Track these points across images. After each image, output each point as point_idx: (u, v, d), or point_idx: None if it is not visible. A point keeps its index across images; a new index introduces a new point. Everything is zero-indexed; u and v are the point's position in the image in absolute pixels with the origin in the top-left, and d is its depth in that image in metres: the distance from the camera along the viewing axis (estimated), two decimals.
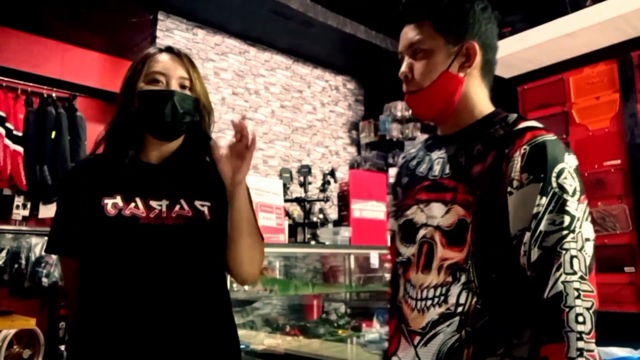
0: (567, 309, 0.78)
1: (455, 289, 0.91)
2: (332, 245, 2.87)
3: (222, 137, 3.40)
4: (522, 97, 3.14)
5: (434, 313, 0.93)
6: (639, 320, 2.52)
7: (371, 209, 3.06)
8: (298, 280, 3.33)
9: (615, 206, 2.68)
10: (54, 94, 3.57)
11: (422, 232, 0.99)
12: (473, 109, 1.01)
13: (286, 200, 2.80)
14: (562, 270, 0.81)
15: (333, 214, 3.33)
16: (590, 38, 2.70)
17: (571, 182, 0.85)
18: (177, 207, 1.13)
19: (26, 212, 3.47)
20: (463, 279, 0.91)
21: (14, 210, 3.43)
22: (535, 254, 0.83)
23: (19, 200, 3.45)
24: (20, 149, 3.37)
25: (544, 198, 0.84)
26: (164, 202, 1.12)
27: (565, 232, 0.83)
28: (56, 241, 1.16)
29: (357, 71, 4.35)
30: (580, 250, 0.83)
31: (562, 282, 0.80)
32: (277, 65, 3.87)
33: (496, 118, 0.99)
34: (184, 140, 1.22)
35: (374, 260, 2.99)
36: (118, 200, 1.10)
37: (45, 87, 3.56)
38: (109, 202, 1.09)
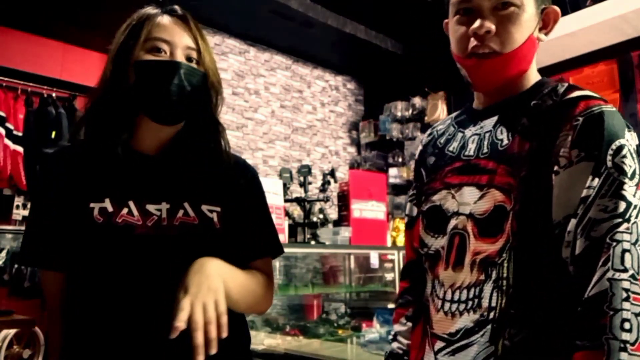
0: (611, 312, 0.65)
1: (487, 289, 0.78)
2: (332, 245, 2.87)
3: None
4: None
5: (467, 320, 0.79)
6: None
7: (371, 209, 3.06)
8: (298, 280, 3.33)
9: None
10: (54, 94, 3.57)
11: (453, 222, 0.84)
12: (524, 79, 0.86)
13: (286, 200, 2.80)
14: (609, 265, 0.67)
15: (333, 214, 3.33)
16: (590, 38, 2.70)
17: (631, 163, 0.71)
18: (181, 213, 0.92)
19: (26, 212, 3.47)
20: (494, 275, 0.77)
21: (14, 210, 3.43)
22: (580, 245, 0.70)
23: (19, 200, 3.45)
24: (20, 149, 3.37)
25: (597, 179, 0.70)
26: (164, 206, 0.91)
27: (618, 220, 0.68)
28: (32, 251, 0.92)
29: (357, 71, 4.36)
30: (635, 244, 0.68)
31: (609, 280, 0.66)
32: (277, 65, 3.87)
33: (544, 88, 0.84)
34: (185, 124, 0.97)
35: (374, 260, 2.99)
36: (107, 204, 0.88)
37: (45, 87, 3.56)
38: (95, 207, 0.88)
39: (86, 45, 3.78)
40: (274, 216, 2.82)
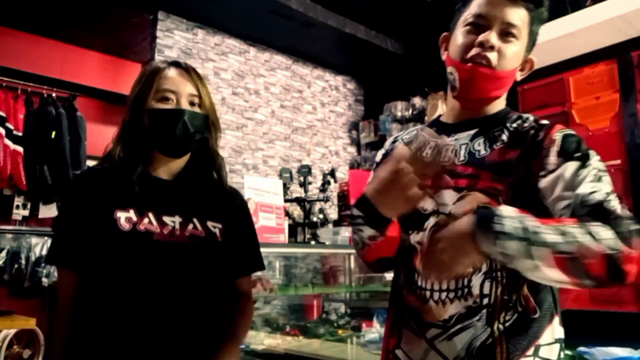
0: (628, 225, 0.79)
1: (477, 279, 0.90)
2: (332, 245, 2.87)
3: (222, 137, 3.40)
4: (522, 97, 3.14)
5: (459, 306, 0.90)
6: (639, 320, 2.52)
7: None
8: (298, 280, 3.33)
9: None
10: (54, 94, 3.57)
11: (433, 220, 0.95)
12: (495, 104, 1.00)
13: (286, 200, 2.80)
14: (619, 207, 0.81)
15: (333, 214, 3.33)
16: (590, 38, 2.70)
17: (605, 169, 0.87)
18: (190, 227, 1.12)
19: (26, 212, 3.48)
20: (484, 267, 0.89)
21: (14, 210, 3.44)
22: (581, 211, 0.82)
23: (19, 200, 3.46)
24: (20, 149, 3.37)
25: (584, 170, 0.85)
26: (177, 219, 1.11)
27: (607, 196, 0.82)
28: (60, 252, 1.11)
29: (357, 71, 4.35)
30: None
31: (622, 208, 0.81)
32: (277, 65, 3.87)
33: (511, 114, 0.99)
34: (191, 156, 1.19)
35: None
36: (132, 214, 1.08)
37: (45, 87, 3.56)
38: (122, 216, 1.07)
39: (86, 45, 3.79)
40: (274, 216, 2.81)
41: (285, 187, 2.82)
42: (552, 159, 0.88)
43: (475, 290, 0.89)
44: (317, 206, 3.00)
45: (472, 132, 0.98)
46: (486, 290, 0.89)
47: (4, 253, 3.27)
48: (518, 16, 0.95)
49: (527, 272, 0.79)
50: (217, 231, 1.15)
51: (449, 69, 0.99)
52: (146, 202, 1.10)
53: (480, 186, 0.92)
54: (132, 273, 1.05)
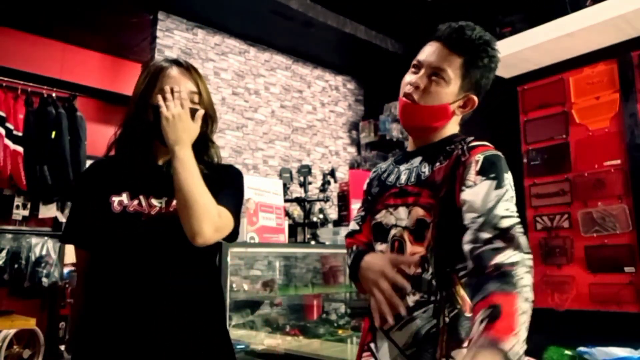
0: (522, 276, 0.90)
1: (424, 279, 1.07)
2: (332, 245, 2.87)
3: (222, 137, 3.40)
4: (522, 97, 3.14)
5: (409, 300, 1.07)
6: (639, 320, 2.52)
7: None
8: (298, 280, 3.33)
9: (615, 206, 2.68)
10: (54, 94, 3.57)
11: (392, 232, 1.15)
12: (442, 132, 1.18)
13: (286, 200, 2.80)
14: (520, 249, 0.93)
15: (333, 214, 3.33)
16: (590, 38, 2.70)
17: (513, 192, 1.03)
18: (174, 202, 1.21)
19: (26, 212, 3.48)
20: (430, 269, 1.06)
21: (14, 210, 3.44)
22: (488, 233, 0.95)
23: (19, 200, 3.46)
24: (20, 149, 3.37)
25: (500, 190, 1.00)
26: (164, 199, 1.23)
27: (516, 219, 0.98)
28: (70, 232, 1.30)
29: (357, 71, 4.35)
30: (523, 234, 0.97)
31: (520, 256, 0.92)
32: (277, 65, 3.87)
33: (457, 138, 1.15)
34: None
35: None
36: (124, 197, 1.22)
37: (45, 87, 3.56)
38: (115, 200, 1.22)
39: (86, 45, 3.79)
40: (274, 216, 2.81)
41: (285, 187, 2.82)
42: (471, 176, 1.03)
43: (423, 288, 1.06)
44: (317, 206, 3.00)
45: (421, 157, 1.17)
46: (433, 288, 1.05)
47: (4, 253, 3.27)
48: (447, 61, 1.12)
49: None
50: None
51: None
52: (139, 186, 1.24)
53: (420, 202, 1.10)
54: (124, 250, 1.20)
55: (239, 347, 2.17)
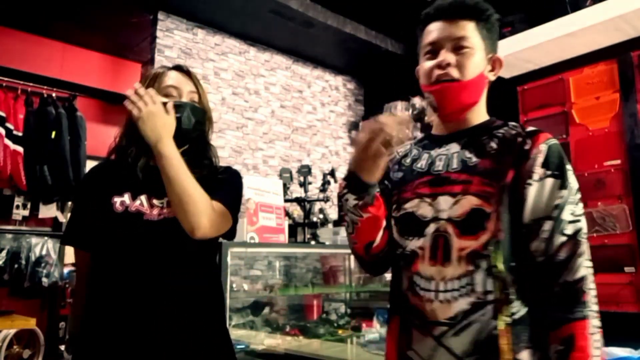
0: (589, 288, 0.93)
1: (478, 277, 0.97)
2: (332, 245, 2.87)
3: (222, 137, 3.40)
4: (522, 97, 3.14)
5: (463, 303, 0.96)
6: (639, 320, 2.52)
7: None
8: (298, 280, 3.33)
9: (615, 206, 2.68)
10: (54, 94, 3.57)
11: (433, 226, 1.02)
12: (479, 112, 1.10)
13: (286, 200, 2.80)
14: (584, 257, 0.95)
15: (333, 214, 3.33)
16: (590, 38, 2.70)
17: (576, 184, 1.00)
18: None
19: (26, 212, 3.47)
20: (484, 265, 0.96)
21: (14, 210, 3.43)
22: (558, 240, 0.95)
23: (19, 200, 3.45)
24: (20, 149, 3.37)
25: (564, 191, 0.97)
26: (165, 200, 1.24)
27: (581, 223, 0.96)
28: (71, 234, 1.31)
29: (357, 71, 4.35)
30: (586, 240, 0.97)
31: (585, 267, 0.94)
32: (277, 65, 3.87)
33: (496, 123, 1.09)
34: (187, 146, 1.32)
35: None
36: (126, 198, 1.24)
37: (45, 87, 3.56)
38: (117, 200, 1.23)
39: (86, 45, 3.79)
40: (274, 216, 2.81)
41: (285, 187, 2.82)
42: (537, 168, 0.98)
43: (478, 288, 0.96)
44: (317, 206, 3.00)
45: (462, 141, 1.08)
46: (489, 287, 0.96)
47: (4, 253, 3.27)
48: (463, 29, 1.06)
49: None
50: None
51: (426, 94, 1.10)
52: (140, 187, 1.24)
53: (473, 190, 1.00)
54: (126, 250, 1.21)
55: (239, 347, 2.17)
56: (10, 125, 3.38)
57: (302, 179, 2.99)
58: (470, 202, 0.99)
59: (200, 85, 1.34)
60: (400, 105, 3.95)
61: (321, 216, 2.94)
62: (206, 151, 1.36)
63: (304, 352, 2.18)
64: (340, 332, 2.70)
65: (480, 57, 1.07)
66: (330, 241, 2.86)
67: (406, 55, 3.98)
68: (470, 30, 1.06)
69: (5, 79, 3.45)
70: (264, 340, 2.39)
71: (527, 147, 1.00)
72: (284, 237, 2.61)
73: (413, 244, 1.05)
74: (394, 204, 1.11)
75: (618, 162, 2.71)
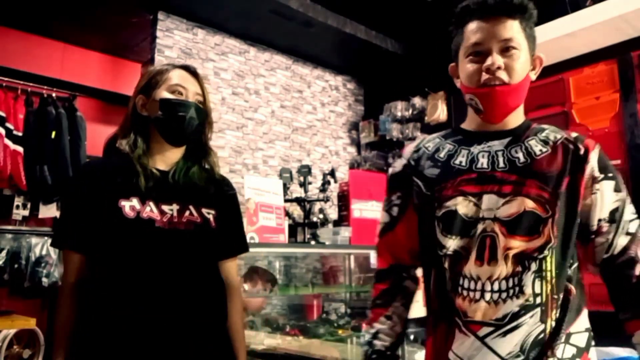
0: None
1: (527, 279, 0.96)
2: (332, 245, 2.87)
3: (222, 137, 3.40)
4: None
5: (512, 305, 0.96)
6: None
7: (371, 209, 3.06)
8: (298, 280, 3.33)
9: None
10: (54, 94, 3.57)
11: (480, 227, 1.00)
12: (519, 112, 1.10)
13: (286, 200, 2.80)
14: None
15: (333, 214, 3.32)
16: (590, 38, 2.70)
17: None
18: (187, 213, 1.23)
19: (26, 212, 3.47)
20: (534, 267, 0.96)
21: (14, 210, 3.43)
22: (623, 240, 1.01)
23: (19, 200, 3.45)
24: (20, 149, 3.37)
25: (621, 193, 1.03)
26: (175, 207, 1.22)
27: (639, 219, 1.03)
28: (64, 236, 1.21)
29: (357, 71, 4.35)
30: None
31: None
32: (277, 65, 3.87)
33: (534, 125, 1.10)
34: (187, 149, 1.33)
35: (374, 260, 2.98)
36: (135, 203, 1.18)
37: (45, 87, 3.56)
38: (126, 205, 1.17)
39: (86, 45, 3.79)
40: (274, 216, 2.82)
41: (285, 187, 2.82)
42: (597, 173, 1.02)
43: (527, 290, 0.96)
44: (317, 206, 2.99)
45: (506, 140, 1.06)
46: (537, 289, 0.96)
47: (4, 253, 3.27)
48: (510, 29, 1.02)
49: None
50: (211, 217, 1.27)
51: (469, 95, 1.07)
52: (147, 191, 1.20)
53: (526, 192, 0.99)
54: (136, 258, 1.16)
55: None
56: (10, 125, 3.38)
57: (302, 179, 2.98)
58: (523, 203, 0.98)
59: (205, 88, 1.33)
60: (400, 105, 3.96)
61: (321, 216, 2.94)
62: (206, 155, 1.35)
63: (304, 352, 2.18)
64: (340, 332, 2.69)
65: (525, 57, 1.04)
66: (330, 241, 2.86)
67: (406, 55, 3.98)
68: (516, 31, 1.03)
69: (5, 79, 3.44)
70: (264, 340, 2.38)
71: (581, 153, 1.02)
72: (284, 237, 2.61)
73: (456, 243, 1.02)
74: (435, 202, 1.06)
75: (618, 162, 2.71)
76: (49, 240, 3.42)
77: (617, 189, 1.02)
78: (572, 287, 1.01)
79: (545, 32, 2.72)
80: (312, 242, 2.84)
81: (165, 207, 1.21)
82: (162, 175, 1.26)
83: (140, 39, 3.55)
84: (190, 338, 1.17)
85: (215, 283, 1.30)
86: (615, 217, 1.01)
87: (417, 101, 3.82)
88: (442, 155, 1.10)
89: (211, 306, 1.25)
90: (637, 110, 2.68)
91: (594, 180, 1.02)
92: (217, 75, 3.47)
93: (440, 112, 3.63)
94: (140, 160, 1.22)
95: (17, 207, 3.45)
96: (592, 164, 1.02)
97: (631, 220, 1.02)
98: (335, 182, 3.10)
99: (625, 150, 2.69)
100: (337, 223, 3.09)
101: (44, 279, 3.30)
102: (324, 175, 3.10)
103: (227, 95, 3.51)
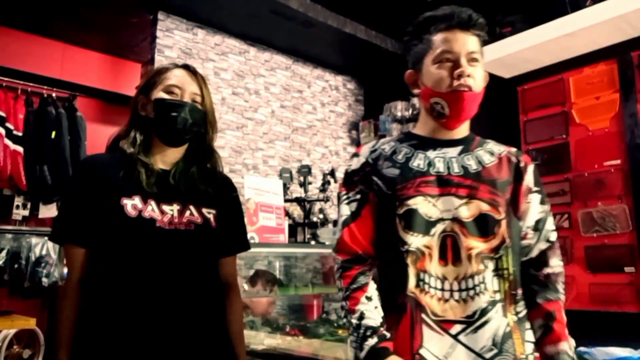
0: (561, 280, 1.15)
1: (489, 276, 1.05)
2: (332, 245, 2.87)
3: (222, 137, 3.40)
4: (522, 97, 3.14)
5: (480, 301, 1.03)
6: (639, 320, 2.52)
7: None
8: (298, 280, 3.33)
9: (615, 206, 2.68)
10: (54, 94, 3.57)
11: (440, 227, 1.07)
12: (467, 124, 1.19)
13: (286, 200, 2.80)
14: (558, 256, 1.16)
15: (333, 214, 3.32)
16: (590, 38, 2.70)
17: None
18: (187, 213, 1.23)
19: (26, 212, 3.47)
20: (491, 266, 1.05)
21: (14, 210, 3.43)
22: (543, 245, 1.15)
23: (19, 200, 3.45)
24: (20, 149, 3.37)
25: (545, 205, 1.16)
26: (175, 207, 1.22)
27: (556, 231, 1.17)
28: (66, 230, 1.20)
29: (357, 71, 4.35)
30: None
31: (560, 265, 1.16)
32: (277, 65, 3.87)
33: (477, 138, 1.21)
34: (187, 148, 1.31)
35: None
36: (137, 201, 1.18)
37: (45, 87, 3.56)
38: (128, 203, 1.17)
39: (86, 45, 3.79)
40: (274, 216, 2.82)
41: (285, 187, 2.82)
42: (531, 184, 1.15)
43: (490, 286, 1.04)
44: (317, 206, 2.99)
45: (458, 148, 1.16)
46: (497, 287, 1.05)
47: (4, 253, 3.27)
48: (475, 43, 1.13)
49: None
50: (211, 217, 1.26)
51: (435, 99, 1.13)
52: (147, 190, 1.20)
53: (480, 196, 1.08)
54: (137, 257, 1.16)
55: None
56: (10, 125, 3.38)
57: (302, 179, 2.99)
58: (479, 206, 1.07)
59: (206, 87, 1.31)
60: (400, 105, 3.96)
61: (321, 216, 2.94)
62: (208, 156, 1.34)
63: (304, 352, 2.18)
64: (340, 332, 2.69)
65: (482, 71, 1.15)
66: (330, 241, 2.86)
67: (406, 55, 3.98)
68: (478, 45, 1.14)
69: (5, 79, 3.45)
70: (264, 340, 2.38)
71: (522, 165, 1.15)
72: (284, 237, 2.61)
73: (418, 241, 1.07)
74: (396, 200, 1.10)
75: (618, 162, 2.71)
76: (49, 240, 3.42)
77: (542, 202, 1.15)
78: (520, 293, 1.11)
79: (545, 32, 2.72)
80: (312, 242, 2.84)
81: (165, 207, 1.21)
82: (163, 175, 1.26)
83: (140, 39, 3.55)
84: (190, 338, 1.17)
85: (216, 283, 1.29)
86: (539, 226, 1.14)
87: (417, 101, 3.82)
88: (400, 157, 1.17)
89: (211, 306, 1.25)
90: (637, 110, 2.68)
91: (529, 191, 1.14)
92: (217, 75, 3.47)
93: None
94: (141, 158, 1.22)
95: (17, 207, 3.45)
96: (529, 177, 1.14)
97: (552, 230, 1.15)
98: (335, 182, 3.10)
99: (625, 150, 2.69)
100: (336, 223, 3.08)
101: (44, 279, 3.30)
102: (324, 175, 3.10)
103: (227, 95, 3.51)
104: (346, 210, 1.21)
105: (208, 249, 1.26)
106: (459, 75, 1.09)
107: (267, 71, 3.79)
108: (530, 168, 1.16)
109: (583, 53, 2.86)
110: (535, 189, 1.15)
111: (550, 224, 1.16)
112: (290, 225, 2.85)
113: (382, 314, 1.10)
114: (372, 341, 1.05)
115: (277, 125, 3.80)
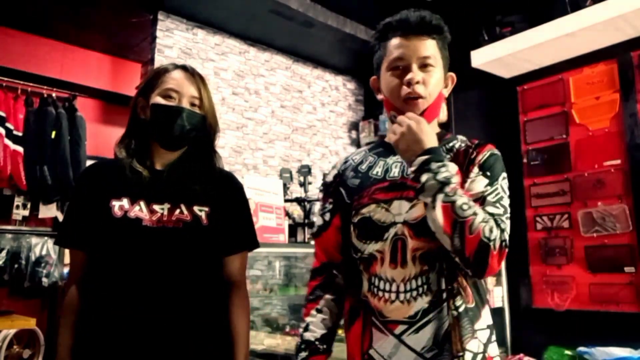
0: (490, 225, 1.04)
1: (433, 277, 1.05)
2: None
3: (222, 137, 3.40)
4: (522, 97, 3.14)
5: (422, 302, 1.04)
6: (639, 320, 2.52)
7: None
8: (298, 280, 3.33)
9: (615, 206, 2.68)
10: (54, 94, 3.57)
11: (392, 231, 1.08)
12: (432, 126, 1.15)
13: (286, 200, 2.80)
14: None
15: None
16: (590, 38, 2.70)
17: (507, 190, 1.10)
18: (177, 212, 1.23)
19: (26, 212, 3.47)
20: (435, 266, 1.05)
21: (14, 210, 3.43)
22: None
23: (19, 200, 3.45)
24: (20, 149, 3.37)
25: (491, 188, 1.06)
26: (166, 206, 1.22)
27: (501, 217, 1.03)
28: (66, 235, 1.25)
29: (357, 71, 4.35)
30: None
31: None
32: (277, 65, 3.87)
33: (446, 136, 1.18)
34: (187, 150, 1.32)
35: None
36: (124, 202, 1.20)
37: (45, 87, 3.56)
38: (116, 204, 1.19)
39: (86, 45, 3.79)
40: (274, 216, 2.82)
41: (285, 187, 2.82)
42: (475, 168, 1.08)
43: (434, 287, 1.04)
44: (317, 206, 2.99)
45: None
46: (442, 286, 1.04)
47: (4, 253, 3.27)
48: (429, 48, 1.11)
49: (426, 206, 1.00)
50: (202, 214, 1.25)
51: (391, 112, 1.16)
52: (139, 191, 1.22)
53: None
54: (124, 256, 1.18)
55: None
56: (10, 125, 3.38)
57: (302, 179, 2.99)
58: (423, 207, 1.04)
59: (205, 88, 1.30)
60: None
61: None
62: (211, 157, 1.33)
63: None
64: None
65: (440, 74, 1.13)
66: None
67: None
68: (434, 49, 1.12)
69: (5, 79, 3.45)
70: (264, 340, 2.39)
71: (473, 156, 1.10)
72: (284, 237, 2.62)
73: (372, 247, 1.10)
74: (353, 210, 1.15)
75: (618, 162, 2.71)
76: (49, 240, 3.42)
77: (490, 184, 1.06)
78: (467, 284, 1.06)
79: (545, 32, 2.72)
80: (312, 242, 2.84)
81: (156, 207, 1.21)
82: (155, 176, 1.26)
83: (140, 39, 3.55)
84: (179, 336, 1.17)
85: (213, 281, 1.27)
86: (479, 198, 1.04)
87: None
88: (364, 167, 1.21)
89: (205, 304, 1.23)
90: (637, 110, 2.68)
91: (469, 174, 1.07)
92: (217, 75, 3.48)
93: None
94: (132, 163, 1.23)
95: (17, 207, 3.45)
96: (477, 164, 1.08)
97: (492, 214, 1.03)
98: None
99: (625, 150, 2.69)
100: None
101: (44, 279, 3.30)
102: (324, 175, 3.10)
103: (227, 95, 3.51)
104: (319, 221, 1.28)
105: (198, 246, 1.24)
106: (408, 83, 1.10)
107: (267, 71, 3.79)
108: (483, 156, 1.09)
109: (583, 53, 2.86)
110: (480, 172, 1.07)
111: (491, 205, 1.04)
112: (290, 225, 2.85)
113: (329, 325, 1.20)
114: (303, 354, 1.17)
115: (277, 125, 3.80)
